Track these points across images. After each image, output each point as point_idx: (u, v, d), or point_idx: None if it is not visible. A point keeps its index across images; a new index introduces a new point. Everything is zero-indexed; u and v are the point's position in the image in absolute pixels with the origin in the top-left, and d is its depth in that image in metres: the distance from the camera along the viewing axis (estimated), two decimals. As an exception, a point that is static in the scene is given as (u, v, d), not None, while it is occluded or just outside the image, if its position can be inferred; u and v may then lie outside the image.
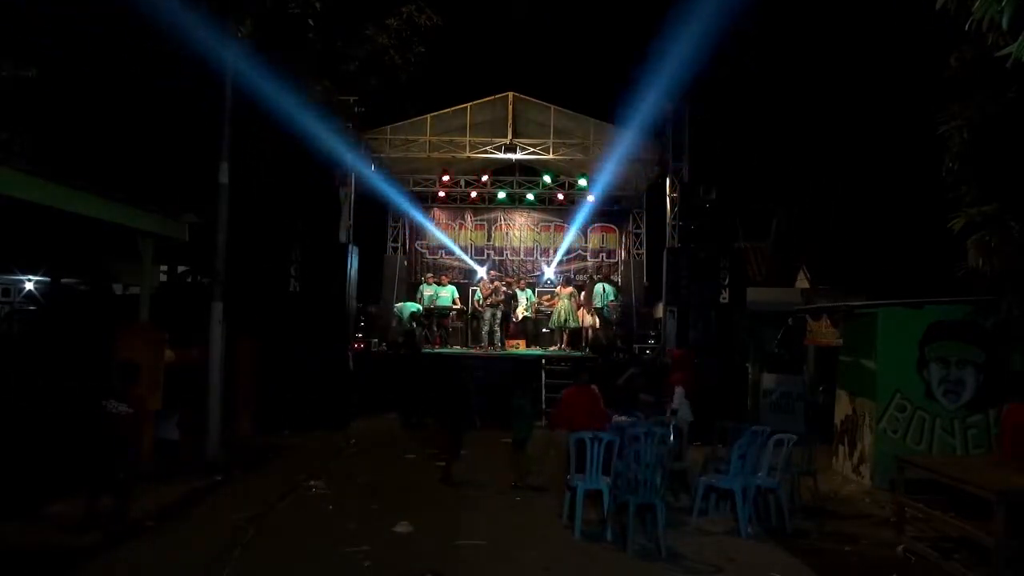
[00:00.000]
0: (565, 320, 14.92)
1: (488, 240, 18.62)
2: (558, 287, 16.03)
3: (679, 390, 9.12)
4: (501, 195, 18.14)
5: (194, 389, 9.11)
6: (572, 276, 17.66)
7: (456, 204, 18.69)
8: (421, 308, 15.39)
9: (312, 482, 8.30)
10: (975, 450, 8.26)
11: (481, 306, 15.31)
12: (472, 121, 14.95)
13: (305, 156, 11.98)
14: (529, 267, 18.34)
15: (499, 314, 14.96)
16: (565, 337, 15.27)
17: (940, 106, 6.97)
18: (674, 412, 8.77)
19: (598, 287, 15.29)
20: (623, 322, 15.94)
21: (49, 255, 11.97)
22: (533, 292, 16.22)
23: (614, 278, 17.65)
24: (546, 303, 15.96)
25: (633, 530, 6.22)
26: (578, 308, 15.01)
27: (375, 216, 18.03)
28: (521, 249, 18.64)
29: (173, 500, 7.24)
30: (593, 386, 7.90)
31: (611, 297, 15.12)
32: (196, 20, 9.49)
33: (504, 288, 15.57)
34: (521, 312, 15.80)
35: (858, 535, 6.78)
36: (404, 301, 16.14)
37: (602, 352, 13.91)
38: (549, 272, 17.91)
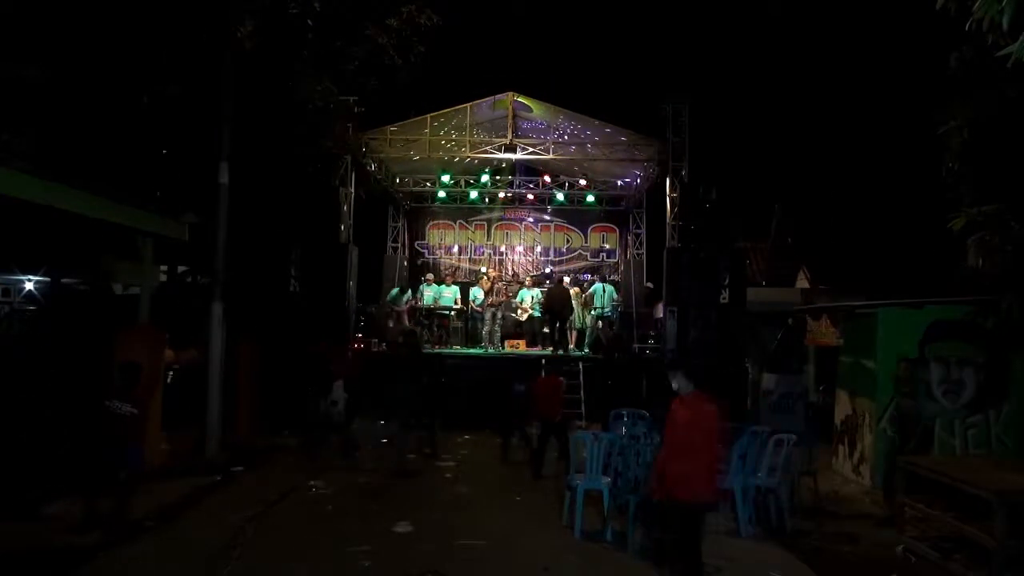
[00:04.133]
0: (571, 320, 14.95)
1: (488, 240, 18.63)
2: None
3: (339, 382, 9.61)
4: (501, 195, 18.14)
5: (194, 389, 9.11)
6: (581, 277, 17.67)
7: (456, 204, 18.71)
8: (410, 294, 15.35)
9: (312, 482, 8.30)
10: (975, 450, 8.26)
11: (480, 307, 15.29)
12: (472, 121, 14.95)
13: (305, 156, 11.96)
14: (529, 267, 18.35)
15: (499, 314, 14.94)
16: (571, 337, 15.29)
17: (940, 106, 6.96)
18: (335, 403, 9.46)
19: (597, 287, 15.37)
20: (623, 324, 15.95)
21: (49, 255, 11.96)
22: (540, 291, 16.14)
23: (614, 277, 17.71)
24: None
25: (633, 530, 6.22)
26: (584, 308, 15.08)
27: (375, 216, 18.03)
28: (521, 249, 18.66)
29: (173, 500, 7.25)
30: (560, 378, 9.26)
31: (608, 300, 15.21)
32: (196, 19, 9.49)
33: (505, 289, 15.54)
34: (527, 311, 15.80)
35: (858, 535, 6.79)
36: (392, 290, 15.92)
37: (602, 352, 13.91)
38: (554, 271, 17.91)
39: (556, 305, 14.03)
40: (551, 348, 14.48)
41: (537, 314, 15.73)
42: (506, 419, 10.27)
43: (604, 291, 15.32)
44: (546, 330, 15.55)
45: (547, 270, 18.01)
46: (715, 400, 4.93)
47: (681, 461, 4.75)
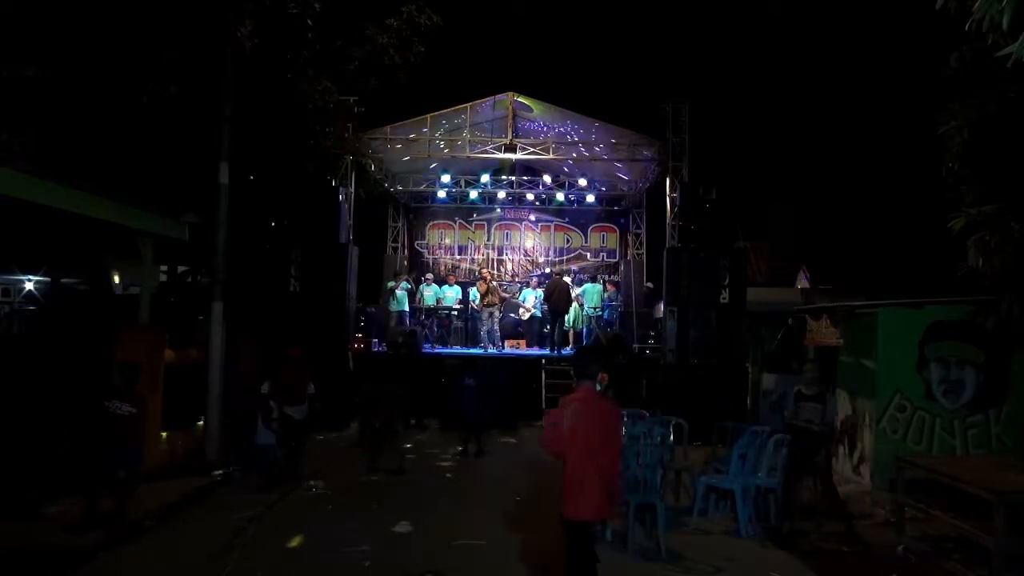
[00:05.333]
0: (572, 321, 14.96)
1: (488, 240, 18.64)
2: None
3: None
4: (501, 195, 18.15)
5: (194, 389, 9.11)
6: (580, 277, 17.65)
7: (456, 204, 18.71)
8: (409, 283, 15.35)
9: (312, 482, 8.31)
10: (975, 450, 8.26)
11: (478, 307, 15.32)
12: (472, 121, 14.95)
13: (305, 156, 11.96)
14: (529, 267, 18.36)
15: (497, 314, 14.96)
16: (571, 337, 15.29)
17: (940, 106, 6.96)
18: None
19: (587, 287, 15.41)
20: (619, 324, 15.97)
21: (49, 255, 11.98)
22: (541, 292, 16.13)
23: (614, 277, 17.70)
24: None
25: (633, 530, 6.22)
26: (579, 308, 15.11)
27: (375, 216, 18.03)
28: (521, 249, 18.67)
29: (173, 500, 7.25)
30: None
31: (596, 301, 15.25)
32: (196, 19, 9.48)
33: (501, 290, 15.54)
34: (529, 311, 15.77)
35: (858, 535, 6.79)
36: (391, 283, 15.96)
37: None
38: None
39: (555, 295, 14.21)
40: (550, 348, 14.50)
41: (538, 315, 15.73)
42: (467, 417, 10.18)
43: (603, 291, 15.31)
44: (546, 330, 15.59)
45: (547, 270, 18.03)
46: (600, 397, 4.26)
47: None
